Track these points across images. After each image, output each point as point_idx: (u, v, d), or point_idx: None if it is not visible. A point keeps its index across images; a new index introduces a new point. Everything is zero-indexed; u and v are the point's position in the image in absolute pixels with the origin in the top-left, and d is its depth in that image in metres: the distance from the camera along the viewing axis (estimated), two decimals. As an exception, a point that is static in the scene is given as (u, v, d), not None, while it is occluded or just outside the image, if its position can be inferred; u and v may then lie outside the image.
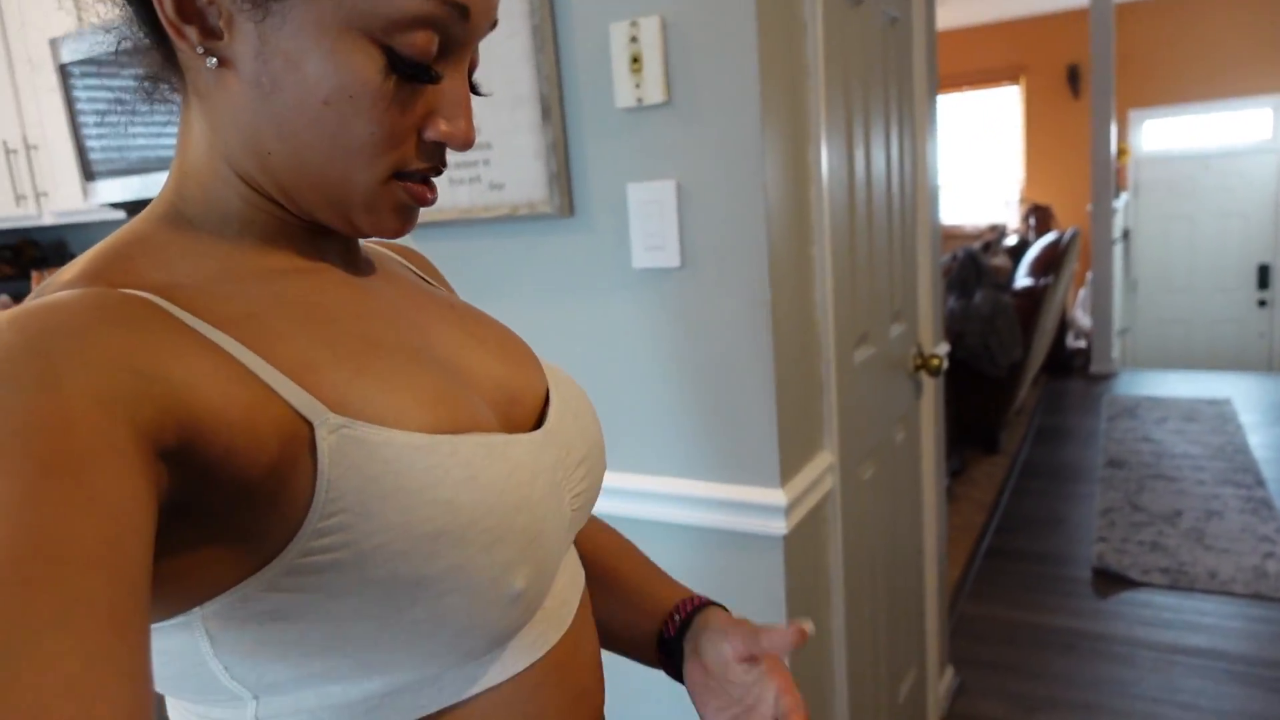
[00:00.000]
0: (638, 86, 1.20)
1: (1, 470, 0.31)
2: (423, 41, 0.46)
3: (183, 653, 0.43)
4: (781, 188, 1.21)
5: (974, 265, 4.21)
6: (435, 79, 0.48)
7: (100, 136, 2.22)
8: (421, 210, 0.90)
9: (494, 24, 0.51)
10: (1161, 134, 7.05)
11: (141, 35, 0.49)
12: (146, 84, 0.51)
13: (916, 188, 1.91)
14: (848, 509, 1.48)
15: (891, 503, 1.79)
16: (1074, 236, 4.72)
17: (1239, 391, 5.06)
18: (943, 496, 2.17)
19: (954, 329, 4.04)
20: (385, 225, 0.51)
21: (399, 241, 1.05)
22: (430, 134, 0.49)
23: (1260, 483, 3.64)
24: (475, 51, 0.52)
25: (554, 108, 1.25)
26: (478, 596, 0.45)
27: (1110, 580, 2.92)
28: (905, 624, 1.93)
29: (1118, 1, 6.64)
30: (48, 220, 2.53)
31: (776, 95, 1.19)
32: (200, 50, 0.46)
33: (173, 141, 2.11)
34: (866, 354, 1.58)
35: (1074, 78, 7.11)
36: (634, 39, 1.19)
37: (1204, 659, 2.44)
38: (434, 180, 0.52)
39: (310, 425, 0.43)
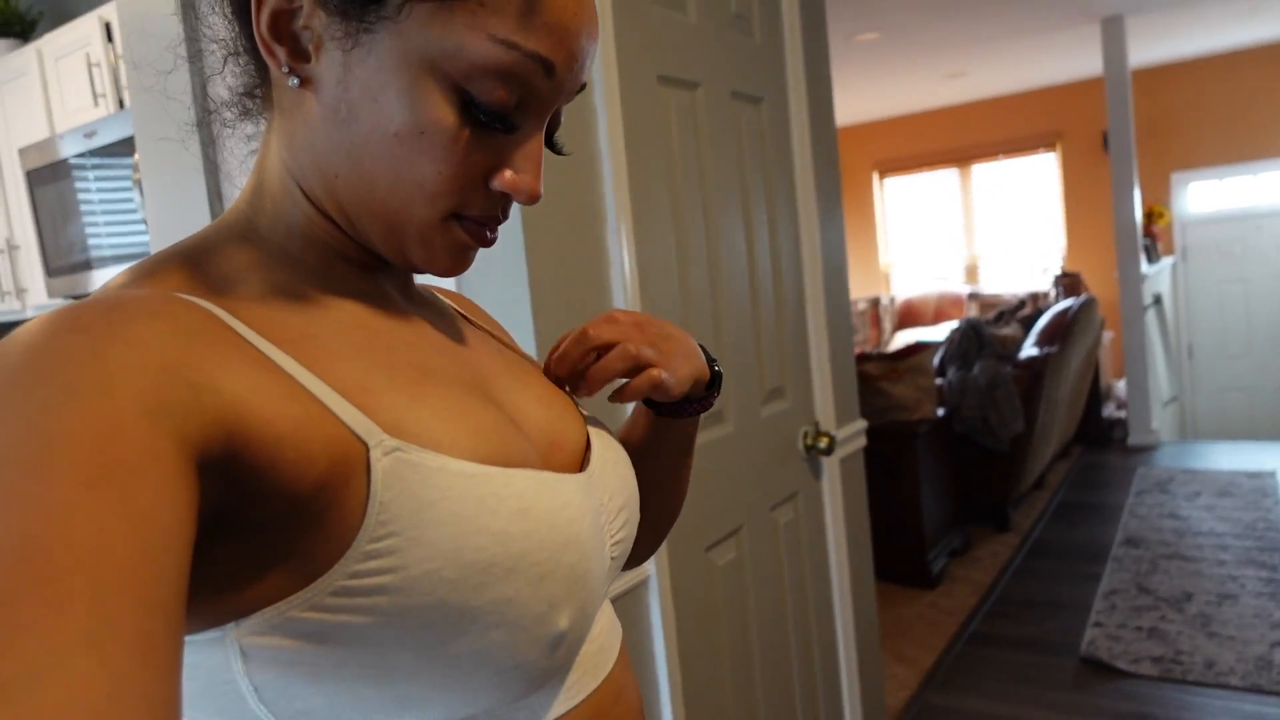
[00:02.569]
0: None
1: (46, 476, 0.31)
2: (502, 92, 0.47)
3: (212, 669, 0.42)
4: (559, 276, 1.22)
5: (975, 336, 4.10)
6: (510, 129, 0.48)
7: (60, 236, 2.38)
8: None
9: (582, 86, 0.52)
10: (1208, 196, 6.81)
11: (242, 48, 0.52)
12: (242, 97, 0.53)
13: (805, 266, 1.89)
14: (684, 595, 1.44)
15: (773, 587, 1.72)
16: (1084, 304, 4.56)
17: (1288, 463, 4.73)
18: (865, 581, 2.08)
19: (952, 401, 3.92)
20: (437, 262, 0.51)
21: (449, 285, 1.09)
22: (497, 184, 0.50)
23: (1287, 563, 3.38)
24: (559, 110, 0.53)
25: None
26: (522, 634, 0.45)
27: (1096, 670, 2.73)
28: (810, 713, 1.84)
29: (1140, 66, 6.52)
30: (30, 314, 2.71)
31: (549, 184, 1.21)
32: (285, 70, 0.48)
33: (114, 239, 2.25)
34: (718, 434, 1.55)
35: (1108, 143, 6.95)
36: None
37: (1181, 760, 2.24)
38: (496, 225, 0.53)
39: (365, 445, 0.43)
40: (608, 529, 0.56)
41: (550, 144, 0.54)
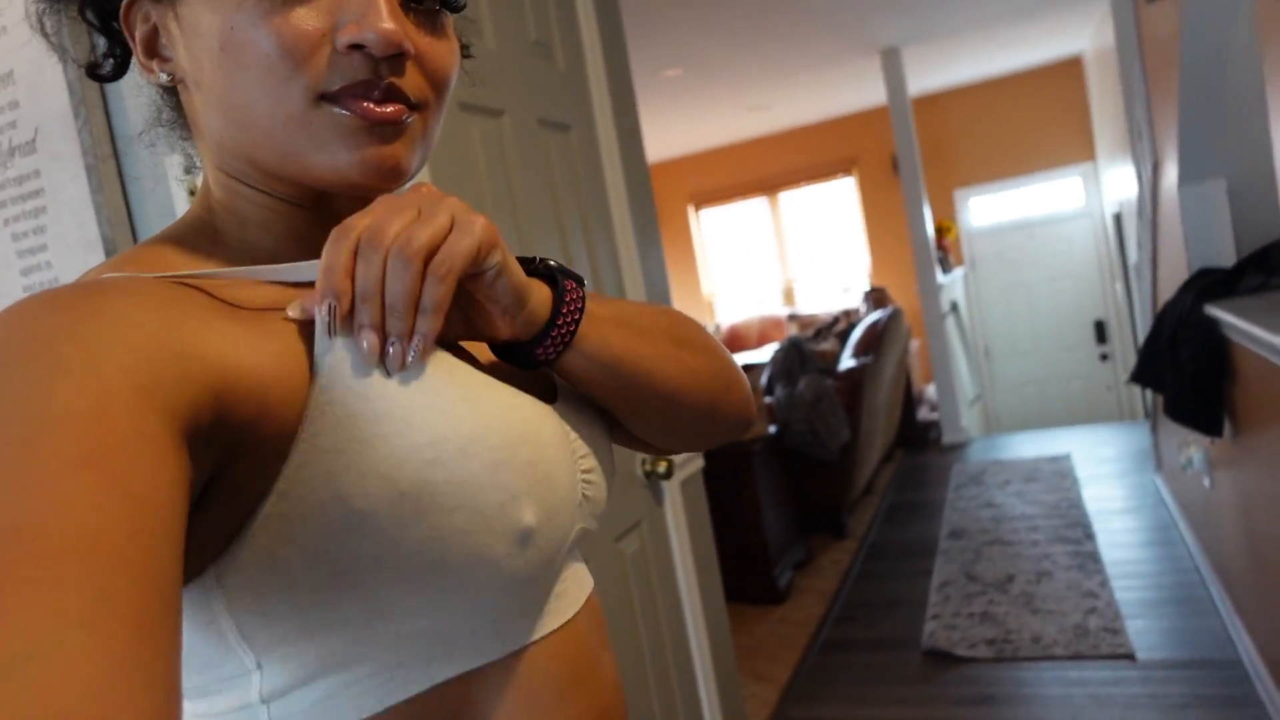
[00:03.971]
0: (198, 220, 1.13)
1: (39, 458, 0.31)
2: None
3: (193, 618, 0.43)
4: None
5: (797, 353, 4.26)
6: None
7: None
8: None
9: None
10: (988, 209, 7.46)
11: (161, 98, 0.55)
12: (183, 144, 0.56)
13: (628, 292, 1.88)
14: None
15: (625, 620, 1.68)
16: (891, 315, 4.85)
17: (1080, 446, 5.19)
18: (716, 603, 2.07)
19: (782, 418, 4.04)
20: (342, 158, 0.47)
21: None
22: (341, 39, 0.45)
23: (1089, 536, 3.68)
24: None
25: (120, 248, 1.17)
26: (484, 520, 0.45)
27: (939, 660, 2.84)
28: (672, 749, 1.80)
29: (920, 94, 7.08)
30: None
31: (349, 216, 1.13)
32: (165, 79, 0.50)
33: None
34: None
35: (897, 165, 7.50)
36: (188, 170, 1.12)
37: (1021, 735, 2.36)
38: (404, 97, 0.47)
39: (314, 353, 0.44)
40: (576, 453, 0.54)
41: None
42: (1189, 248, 2.54)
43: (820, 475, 4.13)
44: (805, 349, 4.26)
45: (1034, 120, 7.11)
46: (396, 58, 0.47)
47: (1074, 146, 7.05)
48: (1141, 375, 2.52)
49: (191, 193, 1.12)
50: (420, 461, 0.43)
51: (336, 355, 0.44)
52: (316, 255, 0.51)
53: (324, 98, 0.46)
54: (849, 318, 6.51)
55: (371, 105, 0.46)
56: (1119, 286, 6.75)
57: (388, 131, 0.47)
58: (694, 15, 4.08)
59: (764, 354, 6.69)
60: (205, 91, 0.48)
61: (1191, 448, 2.79)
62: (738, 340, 7.89)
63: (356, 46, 0.45)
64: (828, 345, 4.64)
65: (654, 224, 2.02)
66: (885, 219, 7.66)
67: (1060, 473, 4.69)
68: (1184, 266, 2.59)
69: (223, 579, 0.42)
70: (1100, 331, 7.37)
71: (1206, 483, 2.78)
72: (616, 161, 1.87)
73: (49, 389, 0.33)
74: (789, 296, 8.16)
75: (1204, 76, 2.24)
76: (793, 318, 7.65)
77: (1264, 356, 1.89)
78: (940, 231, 6.73)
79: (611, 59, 1.92)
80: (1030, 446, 5.40)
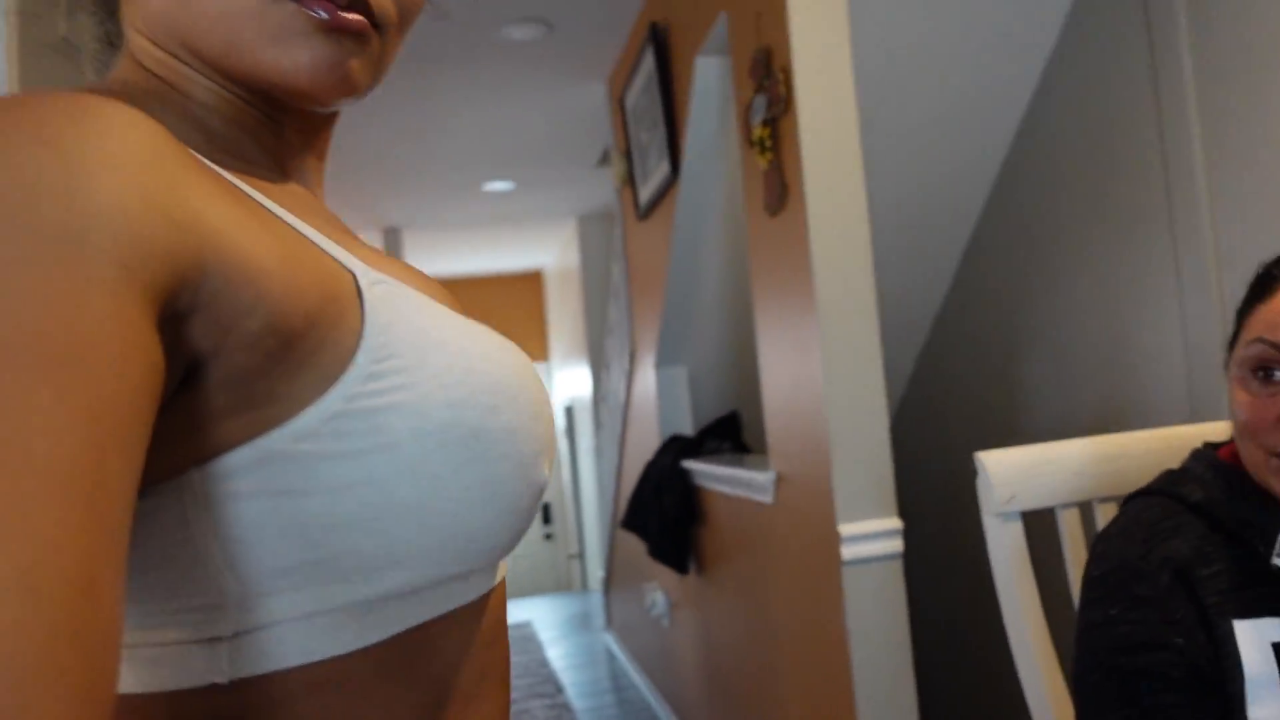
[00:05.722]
0: None
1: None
2: None
3: (160, 529, 0.36)
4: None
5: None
6: None
7: None
8: None
9: None
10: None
11: None
12: (107, 28, 0.50)
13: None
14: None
15: None
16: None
17: (538, 613, 5.62)
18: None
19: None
20: (294, 57, 0.43)
21: None
22: None
23: (560, 689, 3.97)
24: None
25: None
26: (522, 470, 0.43)
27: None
28: None
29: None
30: None
31: None
32: None
33: None
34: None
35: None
36: (113, 43, 0.83)
37: None
38: (369, 10, 0.44)
39: (352, 274, 0.41)
40: None
41: None
42: (661, 418, 3.11)
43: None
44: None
45: (503, 318, 8.00)
46: None
47: (533, 346, 8.05)
48: (630, 522, 2.93)
49: None
50: (481, 406, 0.41)
51: (386, 300, 0.41)
52: (270, 154, 0.48)
53: None
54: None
55: (336, 9, 0.43)
56: (565, 473, 7.66)
57: (347, 41, 0.44)
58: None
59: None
60: None
61: (657, 593, 3.27)
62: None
63: None
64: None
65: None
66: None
67: (526, 637, 5.01)
68: (656, 434, 3.15)
69: (215, 496, 0.35)
70: (546, 514, 8.20)
71: (666, 623, 3.26)
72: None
73: (18, 265, 0.28)
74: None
75: (682, 284, 2.86)
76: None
77: (718, 490, 2.39)
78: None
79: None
80: (495, 615, 5.68)
